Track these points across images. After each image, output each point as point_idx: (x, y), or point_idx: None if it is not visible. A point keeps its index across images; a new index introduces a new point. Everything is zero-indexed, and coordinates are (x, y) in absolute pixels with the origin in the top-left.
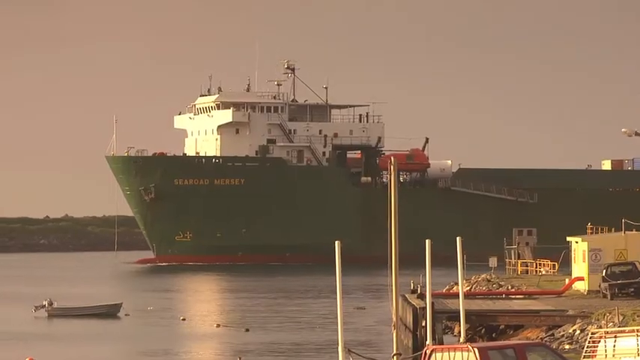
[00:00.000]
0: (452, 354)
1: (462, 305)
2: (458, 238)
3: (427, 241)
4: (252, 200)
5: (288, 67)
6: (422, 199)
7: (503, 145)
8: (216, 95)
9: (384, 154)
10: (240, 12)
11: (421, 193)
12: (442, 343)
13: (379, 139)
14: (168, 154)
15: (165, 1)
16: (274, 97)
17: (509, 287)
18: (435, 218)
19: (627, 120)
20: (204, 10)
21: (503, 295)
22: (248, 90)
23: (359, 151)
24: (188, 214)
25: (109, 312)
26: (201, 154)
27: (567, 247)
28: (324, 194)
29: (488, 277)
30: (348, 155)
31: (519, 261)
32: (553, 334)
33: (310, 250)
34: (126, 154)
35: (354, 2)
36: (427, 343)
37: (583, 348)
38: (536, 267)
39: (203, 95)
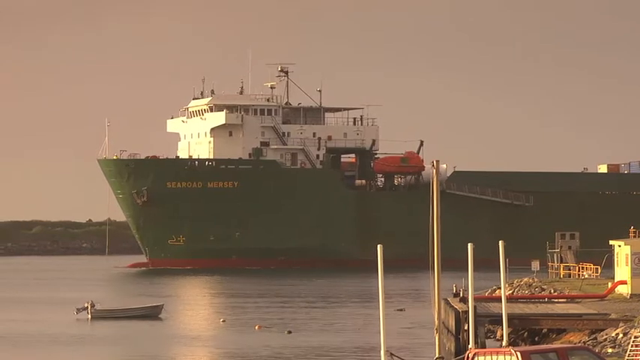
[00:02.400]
0: (494, 357)
1: (504, 309)
2: (500, 242)
3: (469, 244)
4: (246, 203)
5: (281, 70)
6: (416, 202)
7: (498, 148)
8: (209, 98)
9: (378, 157)
10: (233, 15)
11: (416, 196)
12: (484, 347)
13: (373, 141)
14: (160, 157)
15: (157, 4)
16: (268, 100)
17: (552, 291)
18: (429, 221)
19: (626, 124)
20: (197, 13)
21: (546, 299)
22: (241, 93)
23: (353, 155)
24: (181, 218)
25: (151, 314)
26: (194, 157)
27: (610, 250)
28: (318, 197)
29: (530, 280)
30: (342, 159)
31: (562, 264)
32: (596, 338)
33: (304, 254)
34: (115, 157)
35: (349, 5)
36: (469, 346)
37: (625, 352)
38: (579, 270)
39: (196, 98)
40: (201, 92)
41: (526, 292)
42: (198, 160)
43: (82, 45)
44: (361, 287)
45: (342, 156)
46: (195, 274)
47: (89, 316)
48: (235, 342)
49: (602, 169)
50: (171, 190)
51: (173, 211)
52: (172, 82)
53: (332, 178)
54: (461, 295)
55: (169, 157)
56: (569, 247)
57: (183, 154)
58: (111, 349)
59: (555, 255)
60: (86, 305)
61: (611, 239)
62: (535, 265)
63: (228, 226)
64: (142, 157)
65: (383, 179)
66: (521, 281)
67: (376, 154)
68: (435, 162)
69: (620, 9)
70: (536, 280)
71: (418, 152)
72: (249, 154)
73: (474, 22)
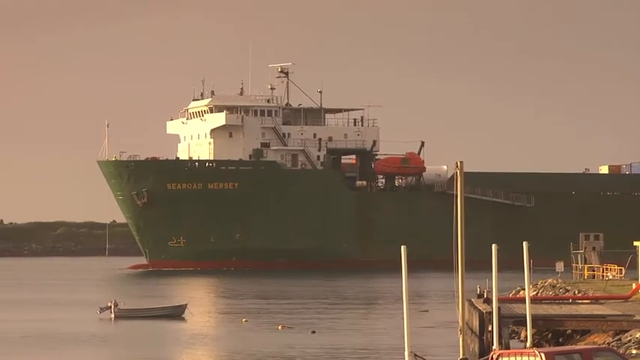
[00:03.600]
0: (518, 358)
1: (528, 310)
2: (524, 243)
3: (493, 245)
4: (246, 204)
5: (281, 71)
6: (418, 203)
7: (499, 149)
8: (209, 99)
9: (379, 158)
10: (232, 15)
11: (417, 197)
12: (508, 348)
13: (374, 142)
14: (161, 159)
15: (157, 6)
16: (268, 101)
17: (576, 292)
18: (430, 222)
19: (626, 125)
20: (197, 14)
21: (570, 300)
22: (241, 94)
23: (354, 155)
24: (181, 219)
25: (174, 313)
26: (194, 159)
27: (634, 251)
28: (319, 198)
29: (554, 281)
30: (343, 160)
31: (586, 265)
32: (620, 339)
33: (305, 255)
34: (114, 159)
35: (349, 6)
36: (494, 347)
37: None
38: (603, 271)
39: (196, 99)
40: (201, 93)
41: (550, 293)
42: (199, 161)
43: (82, 46)
44: (365, 288)
45: (343, 157)
46: (201, 276)
47: (112, 315)
48: (260, 341)
49: (604, 169)
50: (172, 191)
51: (173, 213)
52: (172, 83)
53: (333, 179)
54: (485, 296)
55: (169, 159)
56: (593, 248)
57: (183, 155)
58: (135, 348)
59: (579, 256)
60: (109, 305)
61: (635, 240)
62: (559, 266)
63: (229, 228)
64: (142, 158)
65: (384, 180)
66: (545, 282)
67: (377, 155)
68: (459, 163)
69: (623, 7)
70: (560, 281)
71: (419, 153)
72: (250, 155)
73: (475, 23)
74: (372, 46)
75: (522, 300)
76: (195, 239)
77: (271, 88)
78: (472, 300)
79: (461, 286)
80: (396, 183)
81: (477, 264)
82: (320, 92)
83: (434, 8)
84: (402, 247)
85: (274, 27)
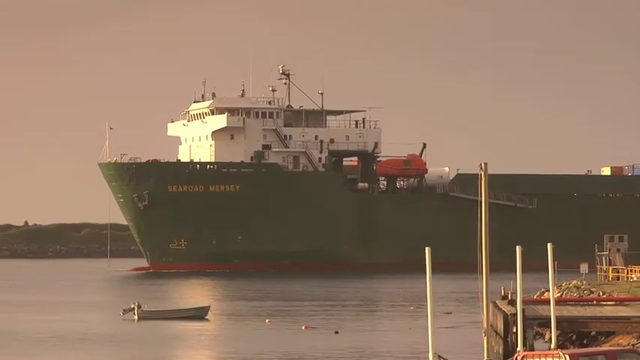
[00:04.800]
0: None
1: (552, 311)
2: (549, 245)
3: (518, 247)
4: (248, 207)
5: (282, 73)
6: (420, 205)
7: (501, 151)
8: (211, 101)
9: (380, 160)
10: (233, 17)
11: (419, 199)
12: (533, 350)
13: (376, 144)
14: (162, 161)
15: (158, 7)
16: (269, 103)
17: (600, 293)
18: (433, 224)
19: (628, 126)
20: (197, 15)
21: (594, 302)
22: (242, 95)
23: (355, 157)
24: (182, 222)
25: (198, 315)
26: (195, 161)
27: None
28: (321, 200)
29: (578, 283)
30: (344, 162)
31: (610, 267)
32: None
33: (307, 257)
34: (114, 161)
35: (350, 7)
36: (518, 349)
37: None
38: (628, 273)
39: (197, 101)
40: (202, 95)
41: (574, 294)
42: (200, 163)
43: (83, 48)
44: (377, 289)
45: (344, 159)
46: (207, 278)
47: (136, 317)
48: (285, 341)
49: (606, 171)
50: (173, 193)
51: (175, 215)
52: (173, 85)
53: (334, 181)
54: (509, 297)
55: (170, 161)
56: (618, 250)
57: (184, 157)
58: (163, 348)
59: (604, 257)
60: (133, 306)
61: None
62: (584, 267)
63: (230, 230)
64: (143, 160)
65: (385, 182)
66: (569, 284)
67: (378, 156)
68: (483, 164)
69: (628, 8)
70: (584, 282)
71: (421, 155)
72: (251, 158)
73: (477, 25)
74: (374, 48)
75: (547, 301)
76: (197, 242)
77: (272, 90)
78: (496, 301)
79: (485, 288)
80: (398, 185)
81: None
82: (321, 94)
83: (435, 10)
84: (427, 248)
85: (275, 28)
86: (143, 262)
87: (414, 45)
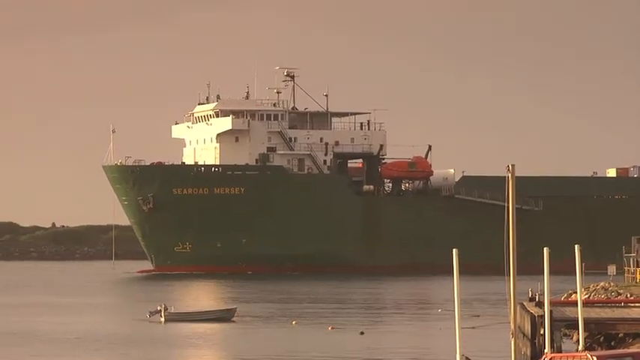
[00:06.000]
0: None
1: (580, 313)
2: (576, 247)
3: (545, 249)
4: (253, 209)
5: (287, 75)
6: (425, 208)
7: (507, 153)
8: (215, 103)
9: (385, 162)
10: (238, 19)
11: (424, 202)
12: (560, 352)
13: (381, 146)
14: (166, 163)
15: (162, 9)
16: (274, 105)
17: (628, 295)
18: (438, 227)
19: (633, 127)
20: (202, 17)
21: (622, 303)
22: (247, 98)
23: (360, 159)
24: (187, 225)
25: (224, 317)
26: (200, 163)
27: None
28: (326, 203)
29: (606, 284)
30: (349, 164)
31: (638, 269)
32: None
33: (312, 260)
34: (118, 163)
35: (355, 9)
36: (545, 351)
37: None
38: None
39: (201, 103)
40: (207, 97)
41: (602, 296)
42: (205, 166)
43: (86, 49)
44: (376, 292)
45: (349, 161)
46: (215, 280)
47: (162, 319)
48: (313, 342)
49: (611, 172)
50: (178, 196)
51: (179, 218)
52: (177, 87)
53: (339, 183)
54: (537, 299)
55: (175, 163)
56: None
57: (188, 159)
58: (192, 350)
59: (632, 259)
60: (159, 308)
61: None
62: (611, 269)
63: (235, 233)
64: (147, 163)
65: (390, 184)
66: (597, 285)
67: (384, 159)
68: (510, 166)
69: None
70: (612, 284)
71: (426, 157)
72: (256, 160)
73: (480, 25)
74: (379, 50)
75: (574, 303)
76: (202, 245)
77: (277, 92)
78: (524, 303)
79: (512, 290)
80: (403, 187)
81: (487, 269)
82: (326, 96)
83: (439, 13)
84: (454, 250)
85: (280, 31)
86: (148, 265)
87: (419, 47)
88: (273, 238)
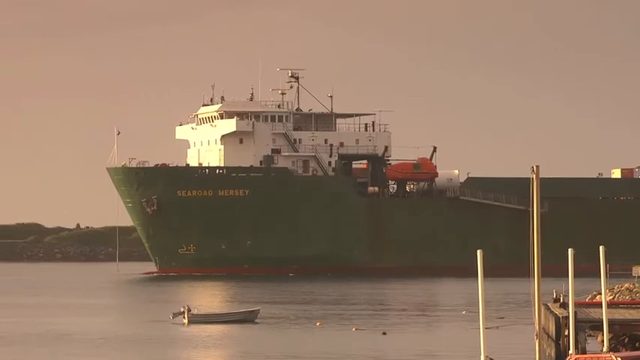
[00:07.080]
0: None
1: (605, 314)
2: (601, 248)
3: (570, 250)
4: (257, 211)
5: (292, 76)
6: (430, 209)
7: (512, 154)
8: (219, 105)
9: (390, 163)
10: (242, 20)
11: (429, 203)
12: (585, 353)
13: (386, 148)
14: (170, 165)
15: (167, 10)
16: (278, 106)
17: None
18: (443, 228)
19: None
20: (206, 19)
21: None
22: (251, 99)
23: (365, 161)
24: (191, 226)
25: (248, 318)
26: (204, 165)
27: None
28: (330, 204)
29: (631, 286)
30: (354, 165)
31: None
32: None
33: (317, 262)
34: (123, 165)
35: (360, 10)
36: (570, 352)
37: None
38: None
39: (205, 105)
40: (211, 99)
41: (627, 297)
42: (209, 168)
43: (89, 51)
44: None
45: (354, 162)
46: (224, 281)
47: (185, 320)
48: (339, 342)
49: (616, 173)
50: (182, 198)
51: (183, 220)
52: (181, 88)
53: (344, 185)
54: (561, 300)
55: (179, 165)
56: None
57: (192, 161)
58: (217, 350)
59: None
60: (182, 310)
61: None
62: (636, 270)
63: (240, 235)
64: (151, 164)
65: (395, 186)
66: (621, 287)
67: (388, 160)
68: (534, 167)
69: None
70: (637, 285)
71: (431, 158)
72: (261, 162)
73: (484, 25)
74: (384, 51)
75: (599, 304)
76: (206, 247)
77: (282, 94)
78: (548, 304)
79: (537, 292)
80: (408, 189)
81: (494, 270)
82: (331, 97)
83: (444, 14)
84: (478, 251)
85: (284, 32)
86: (152, 267)
87: (424, 48)
88: (277, 240)
